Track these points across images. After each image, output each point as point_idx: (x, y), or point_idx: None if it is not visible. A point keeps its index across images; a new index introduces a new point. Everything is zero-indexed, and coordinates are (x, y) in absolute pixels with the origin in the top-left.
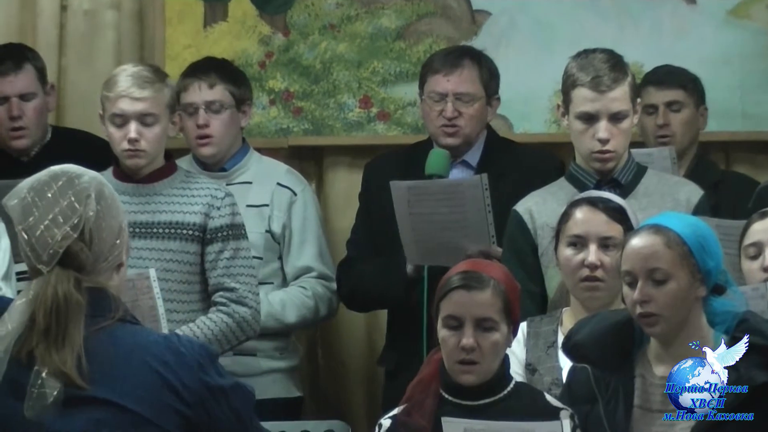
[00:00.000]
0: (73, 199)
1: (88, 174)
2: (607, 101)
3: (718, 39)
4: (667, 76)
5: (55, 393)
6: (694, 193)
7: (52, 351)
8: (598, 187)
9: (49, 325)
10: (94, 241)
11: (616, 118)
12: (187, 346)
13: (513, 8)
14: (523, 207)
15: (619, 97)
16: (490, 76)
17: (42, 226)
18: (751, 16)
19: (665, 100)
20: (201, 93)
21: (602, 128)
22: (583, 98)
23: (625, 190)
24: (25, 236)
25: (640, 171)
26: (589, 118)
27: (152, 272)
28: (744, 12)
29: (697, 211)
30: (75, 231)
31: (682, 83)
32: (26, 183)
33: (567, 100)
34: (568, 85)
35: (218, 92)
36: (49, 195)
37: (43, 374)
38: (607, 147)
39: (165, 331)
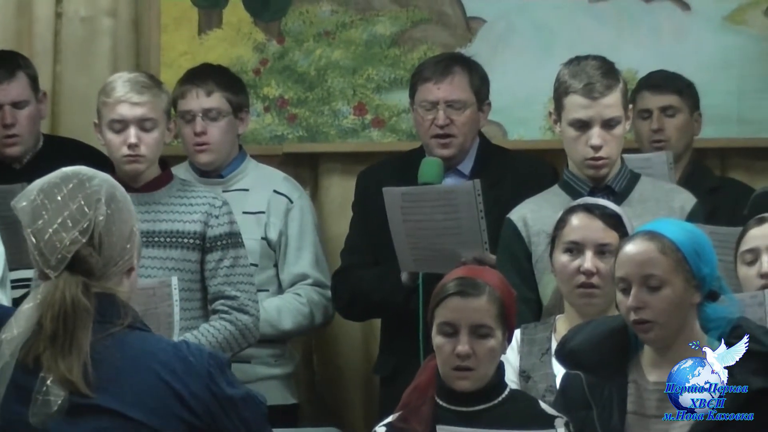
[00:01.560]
0: (82, 202)
1: (99, 176)
2: (600, 108)
3: (715, 44)
4: (662, 81)
5: (60, 401)
6: (688, 200)
7: (59, 358)
8: (591, 194)
9: (56, 330)
10: (104, 246)
11: (608, 124)
12: (196, 354)
13: (508, 15)
14: (517, 215)
15: (611, 103)
16: (480, 82)
17: (50, 230)
18: (747, 22)
19: (660, 105)
20: (198, 100)
21: (595, 135)
22: (576, 105)
23: (618, 198)
24: (34, 240)
25: (634, 178)
26: (582, 125)
27: (174, 280)
28: (740, 18)
29: (691, 218)
30: (84, 235)
31: (677, 88)
32: (36, 184)
33: (559, 107)
34: (561, 93)
35: (216, 100)
36: (59, 198)
37: (48, 381)
38: (600, 153)
39: (176, 338)
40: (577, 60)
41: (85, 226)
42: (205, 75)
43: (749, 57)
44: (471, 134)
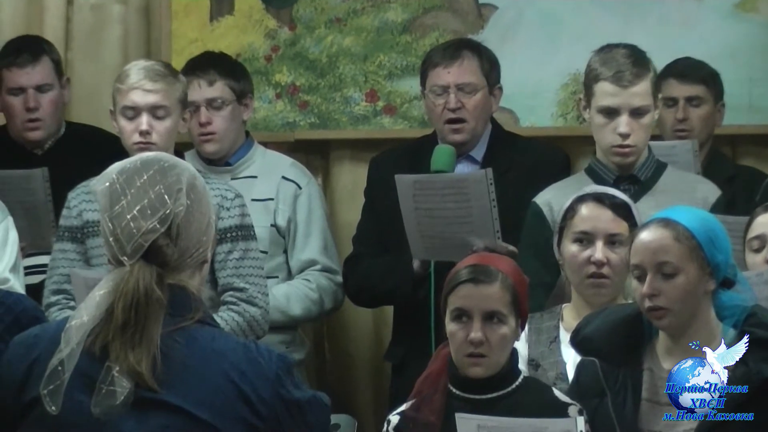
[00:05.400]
0: (163, 191)
1: (180, 165)
2: (628, 96)
3: (725, 32)
4: (689, 69)
5: (126, 394)
6: (711, 191)
7: (128, 348)
8: (616, 182)
9: (128, 320)
10: (181, 237)
11: (637, 113)
12: (265, 356)
13: (519, 1)
14: (542, 199)
15: (640, 92)
16: (490, 66)
17: (128, 217)
18: (758, 10)
19: (686, 94)
20: (201, 91)
21: (623, 123)
22: (605, 92)
23: (643, 187)
24: (110, 225)
25: (660, 168)
26: (611, 113)
27: None
28: (751, 6)
29: (713, 210)
30: (162, 225)
31: (704, 79)
32: (116, 167)
33: (589, 94)
34: (591, 79)
35: (218, 89)
36: (139, 183)
37: (114, 372)
38: (628, 141)
39: None
40: (608, 47)
41: (164, 215)
42: (206, 64)
43: (760, 44)
44: (483, 118)
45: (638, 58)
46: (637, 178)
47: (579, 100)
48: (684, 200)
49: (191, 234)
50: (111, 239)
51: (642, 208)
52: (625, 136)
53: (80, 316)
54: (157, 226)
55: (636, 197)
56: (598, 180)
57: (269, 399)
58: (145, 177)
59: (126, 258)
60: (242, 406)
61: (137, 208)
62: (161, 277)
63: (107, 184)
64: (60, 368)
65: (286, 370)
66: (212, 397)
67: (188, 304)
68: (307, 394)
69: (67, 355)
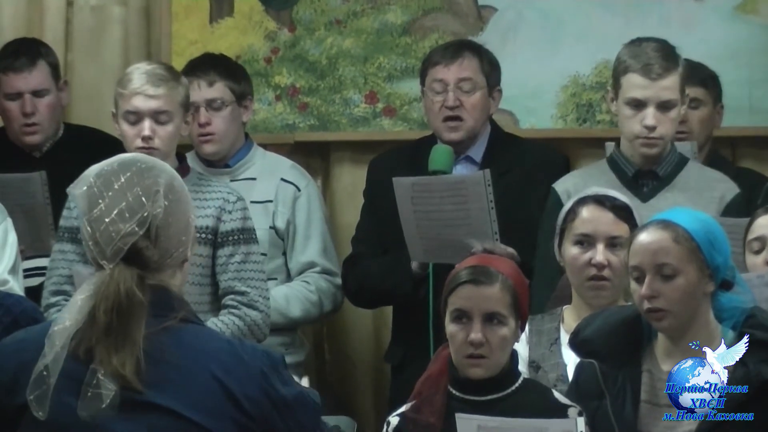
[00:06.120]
0: (140, 193)
1: (158, 166)
2: (656, 89)
3: (725, 34)
4: (688, 71)
5: (111, 396)
6: (729, 190)
7: (111, 352)
8: (635, 177)
9: (110, 323)
10: (161, 238)
11: (664, 106)
12: (249, 353)
13: (519, 3)
14: (561, 186)
15: (669, 86)
16: (490, 68)
17: (107, 220)
18: (758, 12)
19: None
20: (201, 91)
21: (650, 115)
22: (633, 84)
23: (662, 183)
24: (89, 229)
25: (681, 163)
26: (638, 105)
27: None
28: (751, 7)
29: (729, 208)
30: (141, 228)
31: (704, 81)
32: (93, 170)
33: (617, 86)
34: (620, 71)
35: (218, 90)
36: (116, 186)
37: (99, 375)
38: (654, 134)
39: None
40: (638, 41)
41: (142, 217)
42: (206, 65)
43: (760, 46)
44: (481, 119)
45: (668, 53)
46: (656, 173)
47: (607, 91)
48: (701, 198)
49: (171, 235)
50: (90, 243)
51: (659, 205)
52: (651, 128)
53: (63, 321)
54: (136, 228)
55: (653, 192)
56: (618, 171)
57: (256, 397)
58: (123, 180)
59: (106, 261)
60: (229, 405)
61: (115, 211)
62: (142, 279)
63: (85, 187)
64: (45, 373)
65: (272, 367)
66: (198, 395)
67: (170, 304)
68: (295, 391)
69: (52, 360)
